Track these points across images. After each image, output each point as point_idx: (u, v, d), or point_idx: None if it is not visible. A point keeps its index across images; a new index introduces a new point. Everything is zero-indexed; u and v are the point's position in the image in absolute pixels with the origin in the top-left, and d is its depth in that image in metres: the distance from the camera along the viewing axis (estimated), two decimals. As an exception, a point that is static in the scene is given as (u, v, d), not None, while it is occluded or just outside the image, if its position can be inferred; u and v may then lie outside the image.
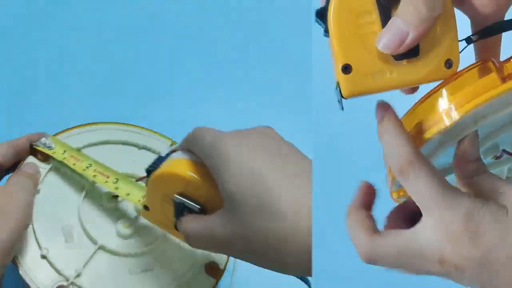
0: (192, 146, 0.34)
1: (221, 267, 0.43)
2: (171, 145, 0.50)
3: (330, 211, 0.50)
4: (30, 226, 0.40)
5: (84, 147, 0.47)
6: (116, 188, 0.43)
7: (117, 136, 0.49)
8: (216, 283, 0.42)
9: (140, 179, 0.44)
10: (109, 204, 0.44)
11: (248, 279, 0.50)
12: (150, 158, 0.46)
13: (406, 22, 0.24)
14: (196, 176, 0.33)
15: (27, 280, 0.38)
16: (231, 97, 0.64)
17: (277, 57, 0.66)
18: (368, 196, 0.30)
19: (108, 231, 0.43)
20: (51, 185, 0.44)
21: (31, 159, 0.44)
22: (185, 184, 0.33)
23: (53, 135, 0.46)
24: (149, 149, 0.49)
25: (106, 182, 0.43)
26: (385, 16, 0.24)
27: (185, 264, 0.43)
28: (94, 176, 0.44)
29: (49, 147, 0.45)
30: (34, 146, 0.44)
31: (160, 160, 0.36)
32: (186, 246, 0.36)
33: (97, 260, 0.41)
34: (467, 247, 0.25)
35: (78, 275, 0.39)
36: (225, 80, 0.65)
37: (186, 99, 0.63)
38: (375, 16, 0.25)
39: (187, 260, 0.43)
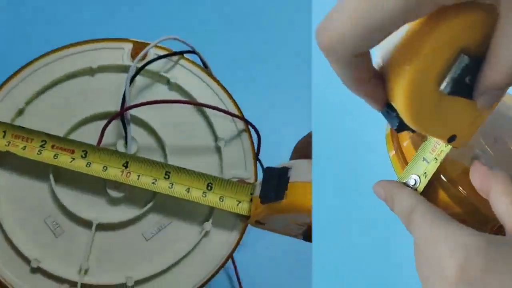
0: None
1: (251, 181, 0.37)
2: (134, 49, 0.39)
3: (331, 209, 0.47)
4: (6, 241, 0.34)
5: (27, 103, 0.37)
6: (89, 165, 0.35)
7: (60, 68, 0.38)
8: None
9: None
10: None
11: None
12: (109, 79, 0.38)
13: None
14: None
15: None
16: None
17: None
18: None
19: (99, 204, 0.36)
20: (8, 177, 0.35)
21: None
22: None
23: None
24: (105, 69, 0.39)
25: (73, 160, 0.35)
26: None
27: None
28: (55, 156, 0.35)
29: (-17, 134, 0.35)
30: (-37, 141, 0.34)
31: (270, 174, 0.33)
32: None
33: (101, 243, 0.35)
34: None
35: (85, 272, 0.34)
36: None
37: None
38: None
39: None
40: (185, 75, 0.39)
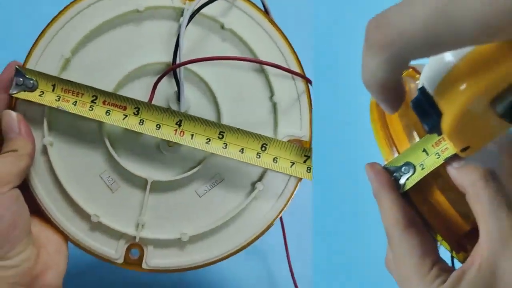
0: None
1: (306, 139, 0.36)
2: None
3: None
4: (65, 198, 0.34)
5: (73, 52, 0.34)
6: (141, 123, 0.34)
7: (102, 12, 0.35)
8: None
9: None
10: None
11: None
12: (157, 25, 0.36)
13: None
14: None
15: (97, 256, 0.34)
16: None
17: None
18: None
19: (152, 162, 0.35)
20: (60, 135, 0.34)
21: (7, 116, 0.32)
22: None
23: (23, 65, 0.34)
24: (152, 12, 0.35)
25: (125, 118, 0.33)
26: None
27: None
28: (108, 113, 0.33)
29: (32, 88, 0.33)
30: (12, 96, 0.33)
31: None
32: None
33: (156, 200, 0.35)
34: None
35: (143, 226, 0.35)
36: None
37: None
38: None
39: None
40: (242, 20, 0.36)
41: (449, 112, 0.23)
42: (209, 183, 0.36)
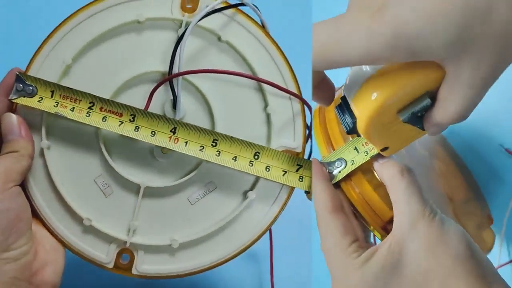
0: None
1: (299, 150, 0.36)
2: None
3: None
4: (59, 200, 0.35)
5: (74, 59, 0.35)
6: (137, 129, 0.34)
7: (104, 22, 0.36)
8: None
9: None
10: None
11: None
12: (157, 35, 0.36)
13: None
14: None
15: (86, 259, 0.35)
16: None
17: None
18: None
19: (146, 169, 0.36)
20: (58, 139, 0.35)
21: (8, 119, 0.33)
22: None
23: (25, 71, 0.35)
24: (152, 23, 0.36)
25: (121, 124, 0.34)
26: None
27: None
28: (104, 119, 0.34)
29: (31, 93, 0.34)
30: (12, 101, 0.34)
31: None
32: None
33: (148, 206, 0.35)
34: None
35: (134, 232, 0.35)
36: None
37: None
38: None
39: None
40: (240, 33, 0.36)
41: (361, 118, 0.27)
42: (202, 191, 0.36)
